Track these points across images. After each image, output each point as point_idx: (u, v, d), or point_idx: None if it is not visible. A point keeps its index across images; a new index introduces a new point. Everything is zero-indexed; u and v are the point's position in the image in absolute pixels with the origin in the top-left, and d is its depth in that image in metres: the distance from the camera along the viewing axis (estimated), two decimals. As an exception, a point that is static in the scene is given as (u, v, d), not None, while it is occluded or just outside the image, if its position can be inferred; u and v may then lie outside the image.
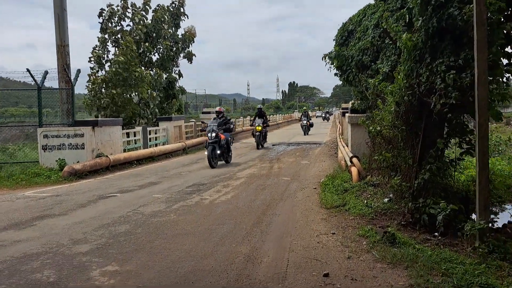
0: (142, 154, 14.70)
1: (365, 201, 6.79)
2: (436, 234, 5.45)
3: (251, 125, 22.66)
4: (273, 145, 21.77)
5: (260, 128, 19.55)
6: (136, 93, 18.26)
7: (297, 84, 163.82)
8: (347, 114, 12.24)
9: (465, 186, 8.21)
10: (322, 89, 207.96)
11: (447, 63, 5.46)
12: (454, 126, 6.25)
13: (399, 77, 6.18)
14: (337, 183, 8.83)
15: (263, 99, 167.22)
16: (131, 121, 20.90)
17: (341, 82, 10.62)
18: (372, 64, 9.04)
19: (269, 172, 12.11)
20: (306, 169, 12.71)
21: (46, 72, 12.95)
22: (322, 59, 10.29)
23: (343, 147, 13.98)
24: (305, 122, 29.14)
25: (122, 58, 16.66)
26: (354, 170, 8.59)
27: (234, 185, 9.79)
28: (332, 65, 10.17)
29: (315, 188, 9.13)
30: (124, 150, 14.67)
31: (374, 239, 5.04)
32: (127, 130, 15.75)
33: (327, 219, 6.33)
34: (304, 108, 34.54)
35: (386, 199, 6.57)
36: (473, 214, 6.89)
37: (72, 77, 12.98)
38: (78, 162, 11.80)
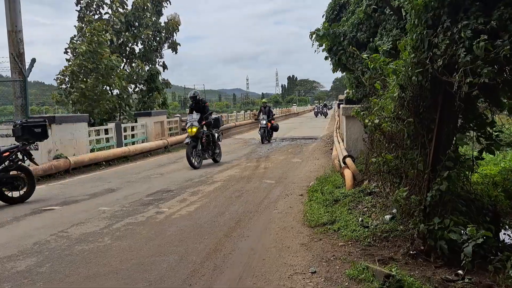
0: (113, 154, 13.05)
1: (360, 218, 5.13)
2: (460, 272, 3.80)
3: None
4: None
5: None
6: (109, 86, 16.59)
7: (296, 77, 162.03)
8: (341, 106, 10.58)
9: (484, 190, 6.59)
10: (322, 83, 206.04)
11: (474, 27, 3.79)
12: (471, 117, 4.62)
13: (405, 51, 4.52)
14: (327, 189, 7.18)
15: (262, 93, 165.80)
16: (111, 117, 19.32)
17: (333, 67, 8.93)
18: (370, 42, 7.36)
19: (252, 173, 10.47)
20: (296, 169, 11.08)
21: (-4, 62, 11.31)
22: (310, 38, 8.59)
23: (339, 143, 12.35)
24: (264, 122, 18.20)
25: (84, 48, 14.95)
26: (347, 173, 6.93)
27: (206, 192, 8.16)
28: (321, 46, 8.46)
29: (301, 195, 7.50)
30: (93, 150, 13.01)
31: (371, 287, 3.40)
32: (97, 127, 14.10)
33: (308, 245, 4.68)
34: (264, 100, 21.85)
35: (387, 216, 4.92)
36: (503, 233, 5.29)
37: (27, 68, 11.30)
38: (29, 165, 10.15)
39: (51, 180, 10.11)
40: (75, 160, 11.16)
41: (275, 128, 19.24)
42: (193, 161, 11.09)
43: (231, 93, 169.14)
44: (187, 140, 11.24)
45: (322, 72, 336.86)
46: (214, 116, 12.62)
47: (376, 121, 5.07)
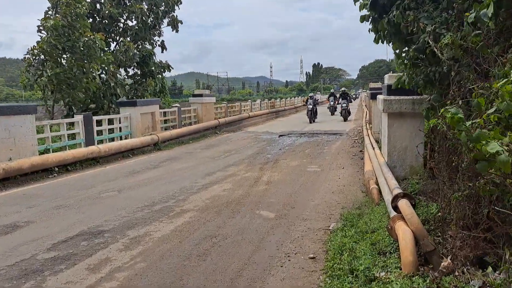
0: (72, 155, 9.91)
1: None
2: None
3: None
4: (279, 136, 16.77)
5: None
6: (86, 70, 13.44)
7: (321, 65, 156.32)
8: (380, 97, 7.05)
9: None
10: (348, 70, 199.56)
11: None
12: None
13: None
14: (363, 256, 3.72)
15: (286, 81, 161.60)
16: (98, 107, 16.30)
17: (375, 35, 5.44)
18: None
19: (247, 193, 7.17)
20: (312, 186, 7.71)
21: None
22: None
23: (372, 148, 8.85)
24: None
25: (52, 22, 11.78)
26: (404, 234, 3.43)
27: (155, 240, 4.90)
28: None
29: (313, 259, 4.15)
30: (47, 151, 9.93)
31: None
32: (56, 121, 11.00)
33: None
34: None
35: None
36: None
37: None
38: None
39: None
40: (5, 167, 8.08)
41: None
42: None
43: (255, 80, 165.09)
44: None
45: (349, 59, 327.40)
46: None
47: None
